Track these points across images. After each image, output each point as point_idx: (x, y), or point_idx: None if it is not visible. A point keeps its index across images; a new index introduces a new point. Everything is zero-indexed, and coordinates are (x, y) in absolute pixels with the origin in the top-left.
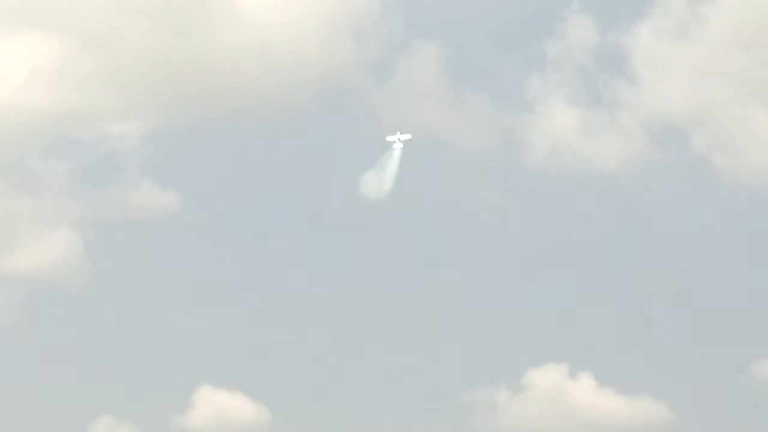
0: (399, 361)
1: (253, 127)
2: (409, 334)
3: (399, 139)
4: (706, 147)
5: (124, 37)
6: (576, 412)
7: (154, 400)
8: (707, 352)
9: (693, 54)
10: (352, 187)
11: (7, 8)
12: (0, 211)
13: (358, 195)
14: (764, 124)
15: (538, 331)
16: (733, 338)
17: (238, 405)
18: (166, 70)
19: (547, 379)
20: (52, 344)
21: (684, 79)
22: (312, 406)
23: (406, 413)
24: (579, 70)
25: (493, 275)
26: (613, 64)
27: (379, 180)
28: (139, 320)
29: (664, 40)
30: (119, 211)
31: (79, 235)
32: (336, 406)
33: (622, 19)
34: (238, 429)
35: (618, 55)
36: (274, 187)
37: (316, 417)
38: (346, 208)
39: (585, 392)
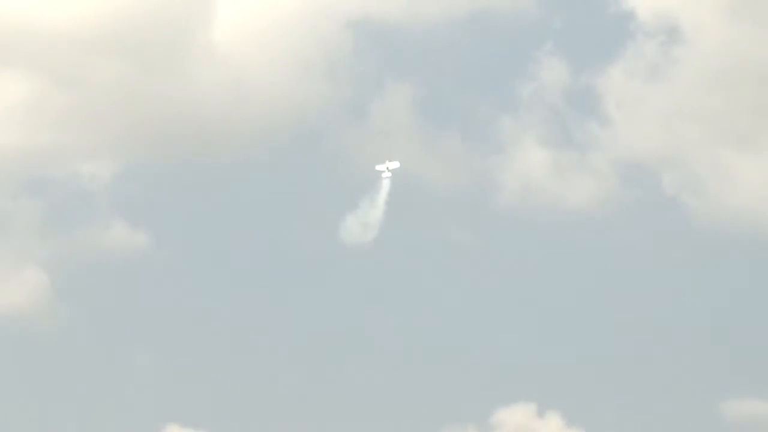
0: (369, 400)
1: (225, 166)
2: (379, 373)
3: (387, 168)
4: (677, 188)
5: (96, 75)
6: None
7: None
8: (676, 392)
9: (664, 96)
10: (324, 227)
11: None
12: None
13: (331, 235)
14: (734, 166)
15: (506, 371)
16: (703, 378)
17: None
18: (138, 108)
19: (515, 418)
20: (20, 384)
21: (655, 120)
22: None
23: None
24: (551, 111)
25: (463, 315)
26: (585, 106)
27: (363, 224)
28: (108, 360)
29: (635, 82)
30: (89, 250)
31: (48, 275)
32: None
33: (594, 60)
34: None
35: (590, 96)
36: (245, 227)
37: None
38: (319, 249)
39: (553, 431)
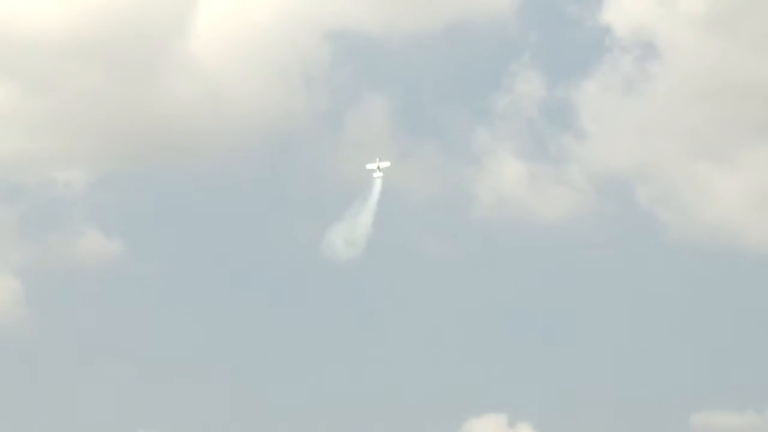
0: (341, 414)
1: (201, 176)
2: (349, 384)
3: (378, 167)
4: (651, 201)
5: (72, 83)
6: None
7: None
8: (648, 404)
9: (639, 109)
10: (302, 238)
11: None
12: None
13: (311, 246)
14: (709, 180)
15: (477, 381)
16: (674, 390)
17: None
18: (114, 116)
19: (485, 428)
20: None
21: (630, 134)
22: None
23: None
24: (527, 124)
25: (434, 325)
26: (560, 119)
27: (349, 238)
28: (80, 368)
29: (611, 96)
30: (63, 258)
31: (22, 282)
32: None
33: (570, 74)
34: None
35: (565, 109)
36: (220, 236)
37: None
38: (299, 260)
39: None
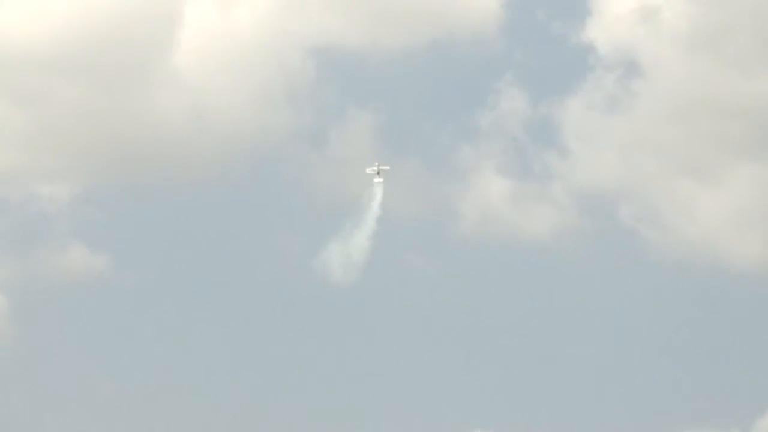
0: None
1: (185, 190)
2: (334, 402)
3: (378, 171)
4: (634, 219)
5: (56, 96)
6: None
7: None
8: (633, 422)
9: (622, 128)
10: (282, 252)
11: None
12: None
13: (289, 260)
14: (691, 198)
15: (464, 398)
16: (658, 408)
17: None
18: (98, 130)
19: None
20: None
21: (613, 152)
22: None
23: None
24: (511, 141)
25: (420, 343)
26: (544, 136)
27: (347, 257)
28: (65, 383)
29: (594, 114)
30: (47, 273)
31: (6, 297)
32: None
33: (553, 92)
34: None
35: (549, 127)
36: (204, 251)
37: None
38: (279, 274)
39: None
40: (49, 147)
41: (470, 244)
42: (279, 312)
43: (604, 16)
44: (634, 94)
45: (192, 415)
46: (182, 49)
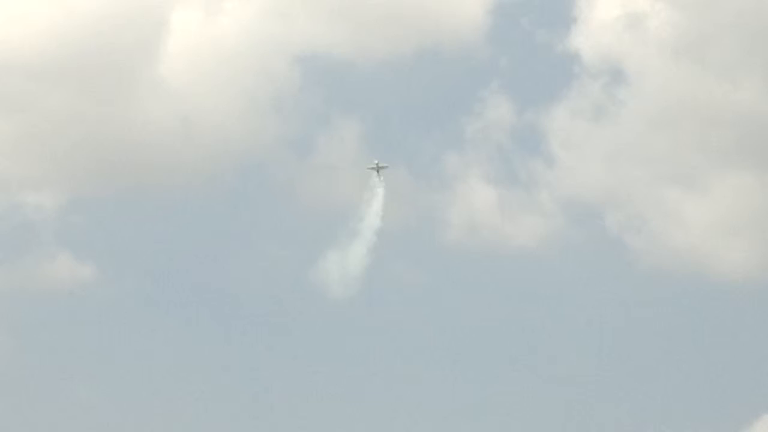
0: None
1: (172, 198)
2: (325, 416)
3: (378, 168)
4: (620, 227)
5: (42, 104)
6: None
7: None
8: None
9: (608, 136)
10: (271, 261)
11: None
12: None
13: (276, 269)
14: (678, 206)
15: (454, 412)
16: (643, 417)
17: None
18: (84, 139)
19: None
20: None
21: (599, 160)
22: None
23: None
24: (497, 149)
25: (409, 353)
26: (530, 144)
27: (345, 268)
28: (50, 393)
29: (580, 122)
30: (33, 282)
31: None
32: None
33: (539, 100)
34: None
35: (535, 135)
36: (193, 261)
37: None
38: (268, 284)
39: None
40: (34, 154)
41: (457, 252)
42: (268, 321)
43: (589, 24)
44: (619, 102)
45: (180, 427)
46: (168, 56)
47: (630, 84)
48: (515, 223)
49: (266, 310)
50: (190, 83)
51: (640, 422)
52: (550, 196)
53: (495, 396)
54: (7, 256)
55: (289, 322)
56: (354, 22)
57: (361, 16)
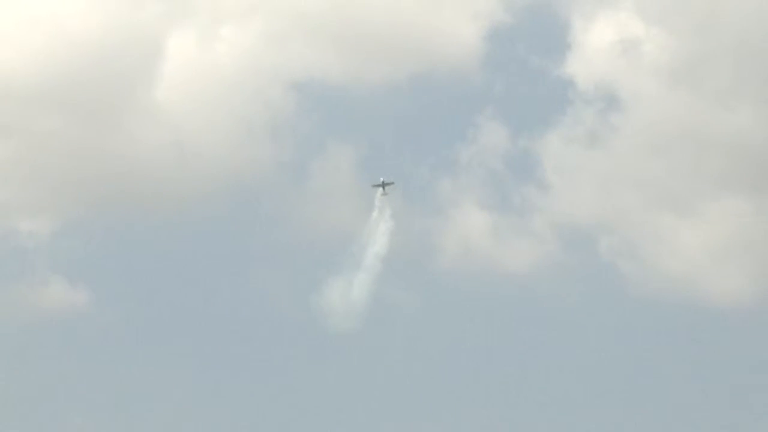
0: None
1: (166, 225)
2: None
3: (383, 186)
4: (614, 253)
5: (36, 129)
6: None
7: None
8: None
9: (602, 162)
10: (264, 286)
11: None
12: None
13: (270, 294)
14: (671, 232)
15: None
16: None
17: None
18: (78, 164)
19: None
20: None
21: (593, 186)
22: None
23: None
24: (491, 175)
25: (402, 378)
26: (523, 170)
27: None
28: (42, 420)
29: (574, 148)
30: (27, 308)
31: None
32: None
33: (533, 125)
34: None
35: (529, 161)
36: (186, 285)
37: None
38: (262, 309)
39: None
40: (28, 181)
41: (451, 277)
42: (263, 349)
43: (583, 50)
44: (613, 127)
45: None
46: (164, 83)
47: (624, 110)
48: (509, 249)
49: (262, 335)
50: (185, 109)
51: None
52: (544, 221)
53: (490, 420)
54: (1, 281)
55: (286, 349)
56: (349, 48)
57: (357, 42)
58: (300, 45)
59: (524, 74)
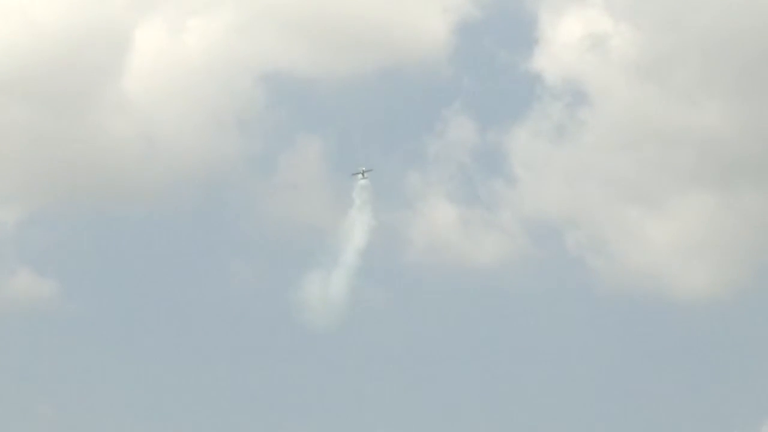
0: None
1: (134, 216)
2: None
3: (363, 173)
4: (581, 247)
5: (2, 119)
6: None
7: None
8: None
9: (570, 156)
10: (233, 278)
11: None
12: None
13: (238, 285)
14: (638, 227)
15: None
16: None
17: None
18: (46, 154)
19: None
20: None
21: (560, 180)
22: None
23: None
24: (459, 169)
25: (368, 372)
26: (491, 164)
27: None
28: (9, 410)
29: (541, 142)
30: None
31: None
32: None
33: (501, 120)
34: None
35: (497, 155)
36: (154, 276)
37: None
38: (230, 300)
39: None
40: None
41: (418, 271)
42: (233, 339)
43: (551, 45)
44: (581, 122)
45: None
46: (132, 74)
47: (592, 104)
48: (477, 243)
49: (229, 326)
50: (153, 100)
51: None
52: (512, 215)
53: (459, 415)
54: None
55: (255, 339)
56: (318, 40)
57: (325, 34)
58: (269, 37)
59: (492, 69)
